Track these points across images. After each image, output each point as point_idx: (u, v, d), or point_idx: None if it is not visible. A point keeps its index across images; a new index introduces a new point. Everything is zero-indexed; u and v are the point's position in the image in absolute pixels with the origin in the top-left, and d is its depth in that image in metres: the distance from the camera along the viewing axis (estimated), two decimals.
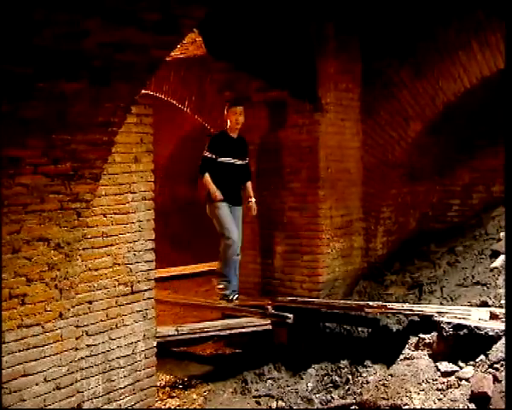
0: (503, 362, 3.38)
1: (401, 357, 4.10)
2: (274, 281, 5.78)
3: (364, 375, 4.42)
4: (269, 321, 5.16)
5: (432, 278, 5.38)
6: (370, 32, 5.75)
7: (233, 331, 5.09)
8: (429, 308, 4.48)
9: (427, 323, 4.25)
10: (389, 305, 4.74)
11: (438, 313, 4.24)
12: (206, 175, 5.32)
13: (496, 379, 3.29)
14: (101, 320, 3.65)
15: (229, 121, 5.39)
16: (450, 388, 3.61)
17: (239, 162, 5.46)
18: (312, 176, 5.57)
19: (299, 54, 5.48)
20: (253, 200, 5.49)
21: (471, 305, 4.52)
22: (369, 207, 5.86)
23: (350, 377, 4.48)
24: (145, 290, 3.99)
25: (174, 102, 6.61)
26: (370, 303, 4.84)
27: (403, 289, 5.50)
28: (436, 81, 5.45)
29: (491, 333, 3.71)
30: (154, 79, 6.21)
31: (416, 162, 6.11)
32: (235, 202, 5.46)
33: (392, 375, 3.93)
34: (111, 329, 3.71)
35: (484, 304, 4.43)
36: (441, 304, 4.79)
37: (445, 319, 4.02)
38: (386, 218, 6.10)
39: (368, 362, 4.55)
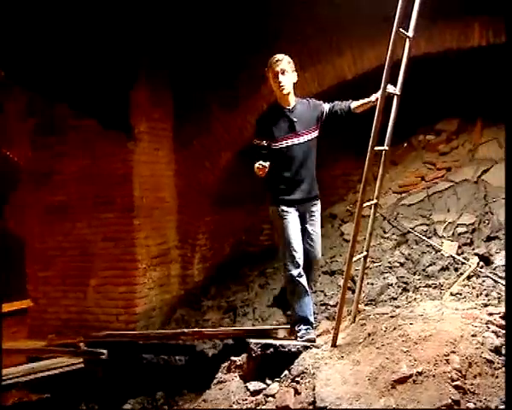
0: (303, 375, 3.65)
1: (215, 381, 4.18)
2: (88, 316, 5.55)
3: (180, 403, 4.44)
4: (81, 360, 4.90)
5: (245, 300, 5.63)
6: (183, 67, 5.91)
7: (38, 375, 4.68)
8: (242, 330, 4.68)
9: (241, 345, 4.40)
10: (204, 330, 4.84)
11: None
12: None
13: (296, 392, 3.52)
14: None
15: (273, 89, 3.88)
16: (259, 405, 3.77)
17: (305, 138, 3.84)
18: (127, 205, 5.52)
19: (112, 84, 5.42)
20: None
21: (279, 324, 4.81)
22: (184, 234, 5.95)
23: (166, 407, 4.45)
24: None
25: None
26: (186, 330, 4.89)
27: (219, 313, 5.66)
28: (244, 114, 5.78)
29: (293, 350, 3.94)
30: None
31: (228, 190, 6.38)
32: (308, 198, 3.90)
33: (205, 400, 3.98)
34: None
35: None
36: (253, 325, 5.04)
37: (253, 340, 4.20)
38: (202, 245, 6.26)
39: (185, 390, 4.58)
